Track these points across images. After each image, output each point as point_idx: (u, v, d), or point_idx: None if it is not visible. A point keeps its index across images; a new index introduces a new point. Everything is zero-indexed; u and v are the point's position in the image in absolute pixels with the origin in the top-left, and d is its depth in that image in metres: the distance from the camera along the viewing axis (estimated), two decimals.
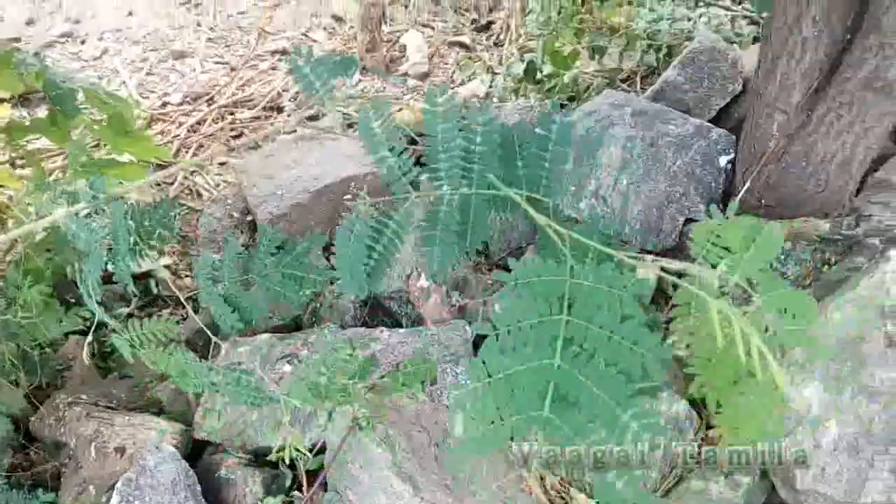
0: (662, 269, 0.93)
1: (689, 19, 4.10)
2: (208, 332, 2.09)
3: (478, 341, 2.42)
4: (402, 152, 1.20)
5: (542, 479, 2.08)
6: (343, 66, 1.43)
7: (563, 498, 2.09)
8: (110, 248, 1.58)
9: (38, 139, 4.75)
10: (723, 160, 2.76)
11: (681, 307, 0.99)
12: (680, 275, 0.93)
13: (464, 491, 1.93)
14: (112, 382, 3.21)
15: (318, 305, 3.22)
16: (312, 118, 5.39)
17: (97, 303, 1.59)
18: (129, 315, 3.97)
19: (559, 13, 3.97)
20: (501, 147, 1.23)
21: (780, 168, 2.50)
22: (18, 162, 4.37)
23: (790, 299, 0.89)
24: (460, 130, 1.22)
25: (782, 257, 2.43)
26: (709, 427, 2.26)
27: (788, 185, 2.51)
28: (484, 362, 0.90)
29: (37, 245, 2.94)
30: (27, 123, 3.37)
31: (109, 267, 1.77)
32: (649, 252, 2.76)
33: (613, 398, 0.85)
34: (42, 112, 5.23)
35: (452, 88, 5.65)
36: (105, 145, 4.04)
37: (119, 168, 3.19)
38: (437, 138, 1.20)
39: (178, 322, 2.40)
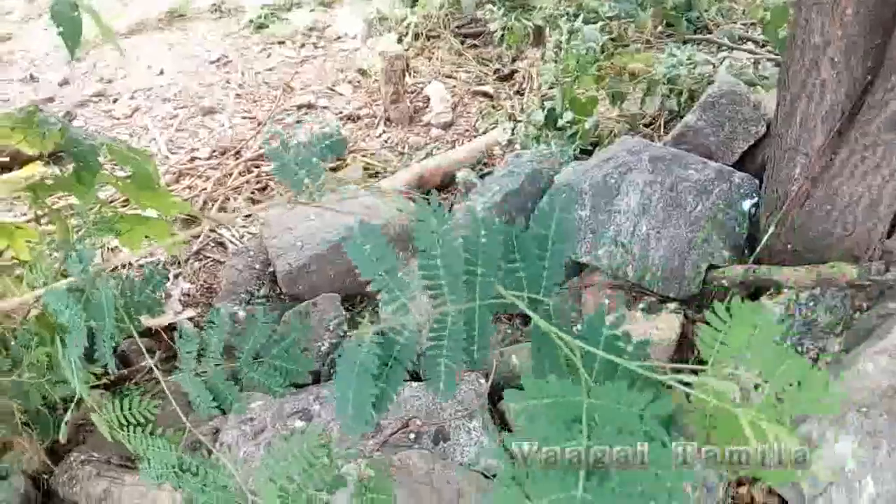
0: (681, 383, 0.87)
1: (710, 64, 4.07)
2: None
3: (492, 394, 2.34)
4: (395, 270, 1.14)
5: None
6: (333, 148, 1.37)
7: None
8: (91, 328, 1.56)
9: (69, 196, 4.86)
10: (746, 204, 2.69)
11: (695, 413, 0.93)
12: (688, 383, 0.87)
13: None
14: None
15: (338, 356, 3.17)
16: (334, 169, 5.44)
17: (81, 379, 1.56)
18: (155, 366, 3.98)
19: (577, 61, 3.96)
20: (504, 248, 1.15)
21: (806, 212, 2.42)
22: (44, 220, 4.46)
23: (794, 371, 0.84)
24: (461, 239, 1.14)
25: (811, 304, 2.34)
26: (739, 484, 2.14)
27: (814, 228, 2.42)
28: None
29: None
30: (51, 182, 3.45)
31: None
32: (671, 300, 2.68)
33: None
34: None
35: (475, 136, 5.67)
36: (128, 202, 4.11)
37: (144, 224, 3.22)
38: (436, 253, 1.11)
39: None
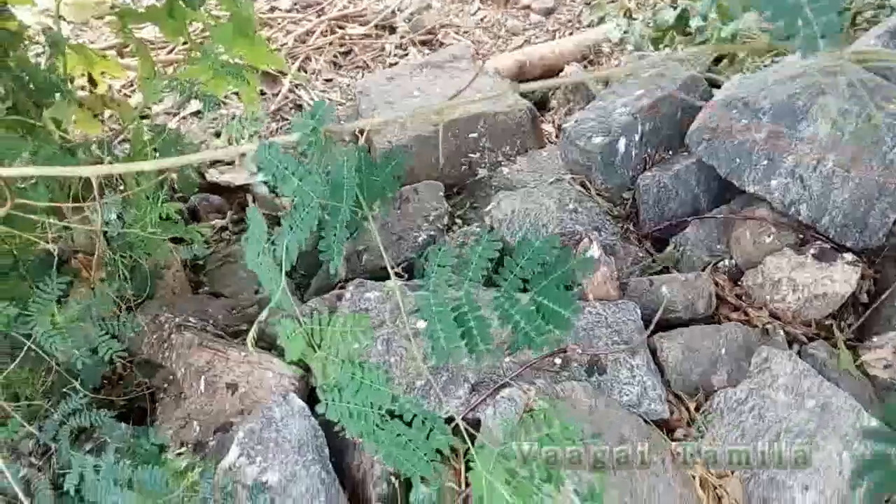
0: None
1: None
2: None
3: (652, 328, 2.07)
4: None
5: None
6: None
7: None
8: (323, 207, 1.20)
9: (142, 28, 4.48)
10: None
11: None
12: None
13: None
14: (205, 300, 2.98)
15: (437, 249, 2.91)
16: (425, 42, 5.00)
17: (287, 274, 1.20)
18: (223, 228, 3.75)
19: None
20: None
21: None
22: (125, 51, 4.11)
23: None
24: None
25: None
26: None
27: None
28: None
29: (145, 143, 2.69)
30: (140, 10, 3.10)
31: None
32: (847, 249, 2.37)
33: None
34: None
35: (577, 28, 5.19)
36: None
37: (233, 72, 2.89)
38: None
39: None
